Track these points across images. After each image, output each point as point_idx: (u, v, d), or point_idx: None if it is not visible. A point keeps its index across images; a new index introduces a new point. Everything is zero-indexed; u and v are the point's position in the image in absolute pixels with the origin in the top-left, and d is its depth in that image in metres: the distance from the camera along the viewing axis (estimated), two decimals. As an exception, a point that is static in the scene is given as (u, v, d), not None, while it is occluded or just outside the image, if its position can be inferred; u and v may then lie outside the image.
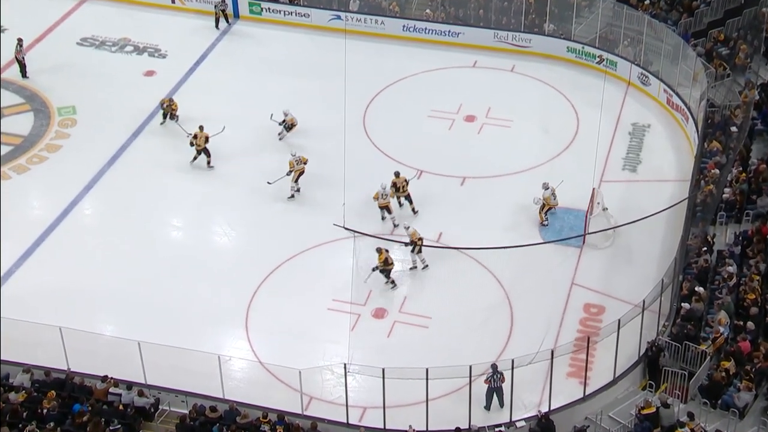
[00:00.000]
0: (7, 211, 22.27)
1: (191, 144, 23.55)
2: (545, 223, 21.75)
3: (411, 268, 20.85)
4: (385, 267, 20.19)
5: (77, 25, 30.17)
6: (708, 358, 17.58)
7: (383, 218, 21.73)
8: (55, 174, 24.00)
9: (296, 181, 22.75)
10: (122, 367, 18.09)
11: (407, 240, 20.55)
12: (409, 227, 20.82)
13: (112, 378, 17.93)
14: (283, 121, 24.36)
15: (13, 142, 25.11)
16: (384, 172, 23.89)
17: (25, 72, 27.48)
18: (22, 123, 25.75)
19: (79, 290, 20.45)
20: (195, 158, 23.68)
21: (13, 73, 27.61)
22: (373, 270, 20.15)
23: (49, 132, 25.51)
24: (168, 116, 24.69)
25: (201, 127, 23.50)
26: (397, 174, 22.08)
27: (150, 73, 28.04)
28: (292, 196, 22.60)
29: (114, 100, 26.65)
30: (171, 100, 25.08)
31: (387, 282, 20.38)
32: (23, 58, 27.44)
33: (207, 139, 23.39)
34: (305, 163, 22.63)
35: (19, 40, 27.44)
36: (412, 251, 20.81)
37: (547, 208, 21.82)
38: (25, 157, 24.53)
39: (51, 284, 20.56)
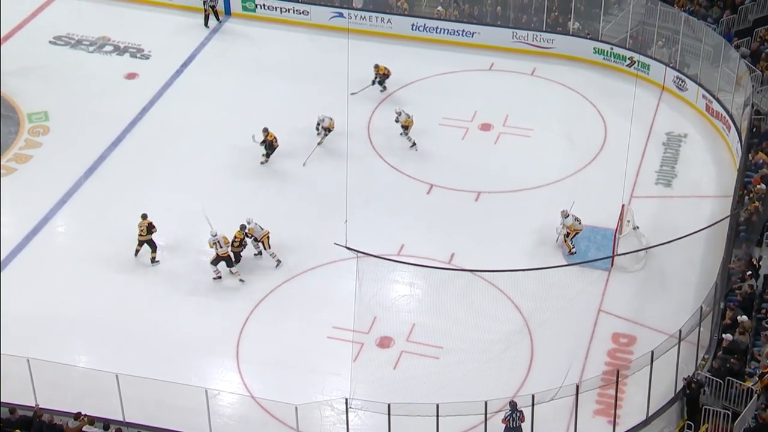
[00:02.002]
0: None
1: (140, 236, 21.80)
2: (573, 251, 21.74)
3: (255, 254, 21.85)
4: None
5: (51, 21, 30.42)
6: (755, 396, 17.50)
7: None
8: (24, 187, 24.08)
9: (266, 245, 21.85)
10: (98, 403, 18.04)
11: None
12: (250, 222, 21.60)
13: (86, 415, 17.83)
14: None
15: (-21, 151, 25.28)
16: (390, 185, 24.07)
17: None
18: (-11, 130, 25.97)
19: (50, 317, 20.48)
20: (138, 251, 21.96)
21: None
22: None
23: (18, 140, 25.66)
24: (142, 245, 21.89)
25: (144, 215, 21.72)
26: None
27: (132, 76, 28.23)
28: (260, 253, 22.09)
29: (91, 105, 26.80)
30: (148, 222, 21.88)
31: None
32: None
33: (150, 228, 21.66)
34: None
35: None
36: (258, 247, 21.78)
37: (573, 234, 21.82)
38: (-9, 168, 24.69)
39: (18, 310, 20.52)
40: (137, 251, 21.86)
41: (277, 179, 24.16)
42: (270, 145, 24.26)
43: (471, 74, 28.17)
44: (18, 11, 30.45)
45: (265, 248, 21.71)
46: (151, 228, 21.71)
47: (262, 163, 24.39)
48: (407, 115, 24.94)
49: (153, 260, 21.88)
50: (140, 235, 21.70)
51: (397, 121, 25.09)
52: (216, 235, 21.24)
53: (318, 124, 24.86)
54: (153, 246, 21.83)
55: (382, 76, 26.86)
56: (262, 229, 21.74)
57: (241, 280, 21.37)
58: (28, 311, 20.58)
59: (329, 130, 24.71)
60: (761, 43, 26.43)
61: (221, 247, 21.22)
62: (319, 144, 24.71)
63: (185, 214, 22.98)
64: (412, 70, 28.09)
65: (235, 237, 21.36)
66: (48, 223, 23.02)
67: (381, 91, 26.88)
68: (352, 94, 25.41)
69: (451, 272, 20.82)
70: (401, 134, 25.13)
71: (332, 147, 24.33)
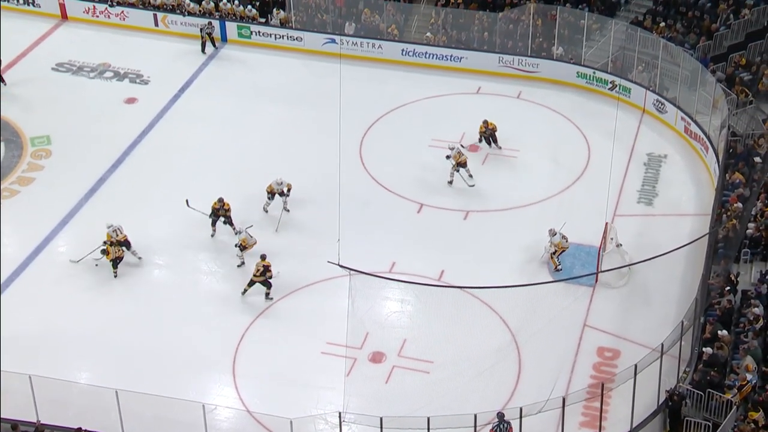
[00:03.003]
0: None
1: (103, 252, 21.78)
2: (559, 268, 21.76)
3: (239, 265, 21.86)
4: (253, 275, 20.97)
5: (53, 49, 30.46)
6: (734, 407, 17.52)
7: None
8: (27, 209, 24.02)
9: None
10: (98, 419, 17.96)
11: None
12: (241, 232, 21.79)
13: (86, 430, 17.76)
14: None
15: (-18, 174, 25.24)
16: (382, 205, 24.08)
17: (2, 79, 28.16)
18: (-7, 154, 25.93)
19: (51, 335, 20.39)
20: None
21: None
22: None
23: (21, 164, 25.61)
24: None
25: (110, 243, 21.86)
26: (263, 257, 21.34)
27: (131, 101, 28.25)
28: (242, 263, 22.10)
29: (92, 129, 26.81)
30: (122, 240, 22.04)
31: (267, 296, 21.13)
32: None
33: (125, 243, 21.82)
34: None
35: None
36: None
37: (560, 251, 21.85)
38: (-5, 190, 24.65)
39: (21, 328, 20.44)
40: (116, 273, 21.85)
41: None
42: (225, 214, 22.66)
43: (459, 97, 28.27)
44: (22, 39, 30.46)
45: (241, 250, 21.77)
46: (126, 244, 21.81)
47: (231, 234, 22.54)
48: (459, 151, 24.19)
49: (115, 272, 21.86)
50: (119, 258, 21.73)
51: (448, 157, 24.24)
52: (111, 226, 21.63)
53: (273, 192, 23.21)
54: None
55: (491, 131, 25.56)
56: (252, 237, 21.92)
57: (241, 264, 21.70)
58: (30, 329, 20.48)
59: (289, 191, 23.23)
60: (736, 68, 26.63)
61: (120, 233, 21.67)
62: (285, 210, 23.28)
63: (182, 235, 22.96)
64: (402, 94, 28.18)
65: (258, 269, 21.06)
66: (50, 243, 22.94)
67: (499, 148, 25.61)
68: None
69: (441, 289, 20.78)
70: (451, 168, 24.04)
71: (324, 173, 24.08)
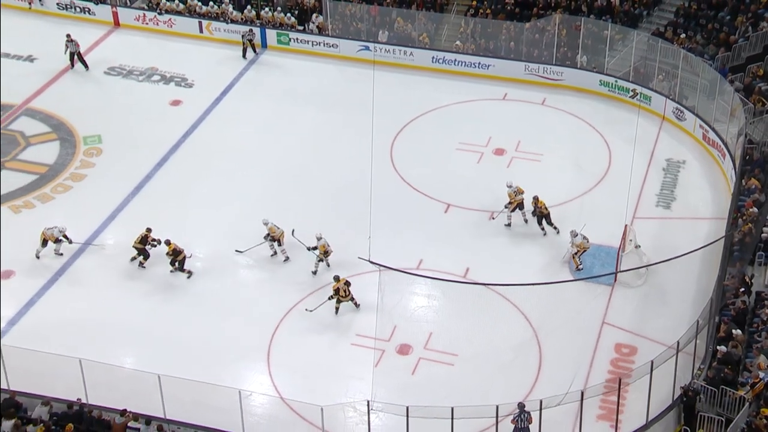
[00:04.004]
0: (30, 240, 22.57)
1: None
2: (580, 267, 21.63)
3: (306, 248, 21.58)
4: (339, 297, 20.47)
5: (105, 54, 30.82)
6: (747, 404, 17.34)
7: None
8: (78, 203, 24.35)
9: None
10: (141, 401, 18.17)
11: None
12: (267, 222, 21.74)
13: (130, 412, 17.99)
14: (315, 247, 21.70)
15: (39, 170, 25.58)
16: (411, 204, 24.08)
17: (86, 63, 29.51)
18: (48, 152, 26.23)
19: (99, 322, 20.65)
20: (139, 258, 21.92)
21: (40, 102, 28.23)
22: (329, 299, 20.47)
23: (74, 161, 25.97)
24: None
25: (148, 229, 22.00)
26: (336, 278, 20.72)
27: (176, 103, 28.52)
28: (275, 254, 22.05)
29: (139, 129, 27.12)
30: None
31: (335, 312, 20.61)
32: (77, 50, 29.29)
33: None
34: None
35: (68, 36, 29.21)
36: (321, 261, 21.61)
37: (581, 251, 21.73)
38: (50, 186, 24.97)
39: (72, 315, 20.76)
40: (141, 262, 21.96)
41: (304, 200, 24.23)
42: (175, 254, 21.61)
43: (486, 103, 28.20)
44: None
45: (279, 244, 21.85)
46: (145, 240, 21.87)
47: (171, 272, 21.78)
48: (515, 190, 22.71)
49: (141, 264, 22.02)
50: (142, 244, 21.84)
51: (507, 206, 22.81)
52: (55, 228, 21.98)
53: (268, 234, 22.04)
54: (147, 255, 21.99)
55: (539, 211, 22.58)
56: (278, 228, 21.98)
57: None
58: (80, 316, 20.77)
59: (274, 239, 22.03)
60: (753, 79, 26.31)
61: (56, 234, 22.02)
62: (258, 245, 22.08)
63: (222, 230, 23.15)
64: (432, 99, 28.15)
65: (344, 289, 20.50)
66: (99, 235, 23.21)
67: (556, 232, 22.57)
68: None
69: (466, 285, 20.74)
70: (509, 211, 22.75)
71: (356, 174, 23.90)
